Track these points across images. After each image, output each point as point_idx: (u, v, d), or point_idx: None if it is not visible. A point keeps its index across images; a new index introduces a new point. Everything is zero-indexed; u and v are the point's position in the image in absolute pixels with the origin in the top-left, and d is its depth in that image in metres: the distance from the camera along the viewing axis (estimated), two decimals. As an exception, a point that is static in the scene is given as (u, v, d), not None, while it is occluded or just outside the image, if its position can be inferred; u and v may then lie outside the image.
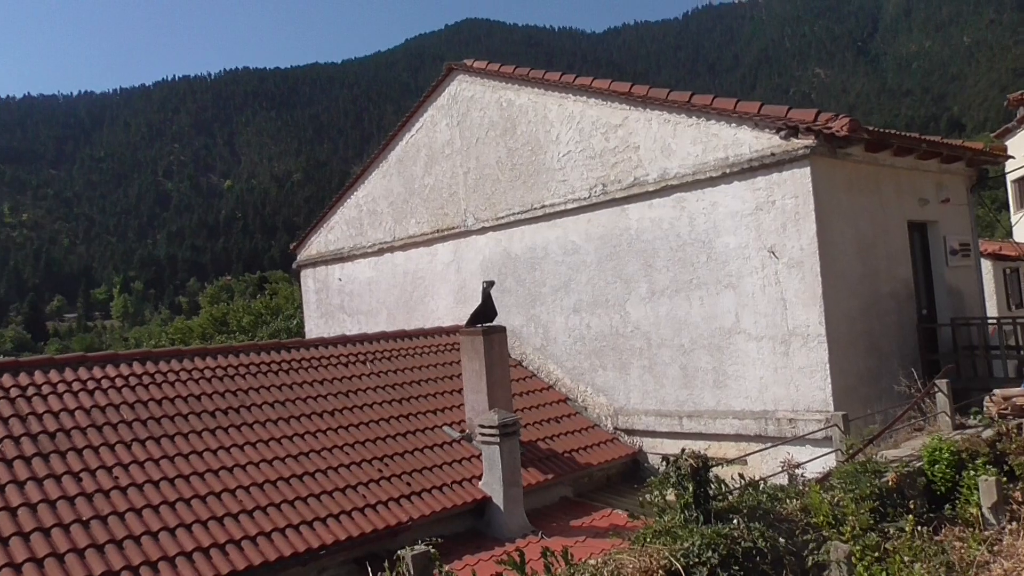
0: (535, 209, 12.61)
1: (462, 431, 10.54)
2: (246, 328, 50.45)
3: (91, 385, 9.17)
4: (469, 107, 13.70)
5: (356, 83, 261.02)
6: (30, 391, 8.74)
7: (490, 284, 10.67)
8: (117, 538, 7.07)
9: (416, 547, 4.24)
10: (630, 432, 11.67)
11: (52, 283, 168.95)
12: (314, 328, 17.31)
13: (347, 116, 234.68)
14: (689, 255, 10.74)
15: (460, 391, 11.23)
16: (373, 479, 9.02)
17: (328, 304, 17.02)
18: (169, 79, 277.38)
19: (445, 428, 10.57)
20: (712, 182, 10.40)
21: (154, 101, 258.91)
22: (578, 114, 11.93)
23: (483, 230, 13.55)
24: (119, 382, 9.39)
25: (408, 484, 9.14)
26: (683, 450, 6.07)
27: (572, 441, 11.31)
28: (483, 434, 9.41)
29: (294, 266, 18.01)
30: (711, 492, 5.83)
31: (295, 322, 46.87)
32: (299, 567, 7.73)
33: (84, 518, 7.19)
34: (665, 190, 10.91)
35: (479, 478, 9.60)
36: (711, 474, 5.85)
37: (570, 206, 12.08)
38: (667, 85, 11.52)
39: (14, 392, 8.63)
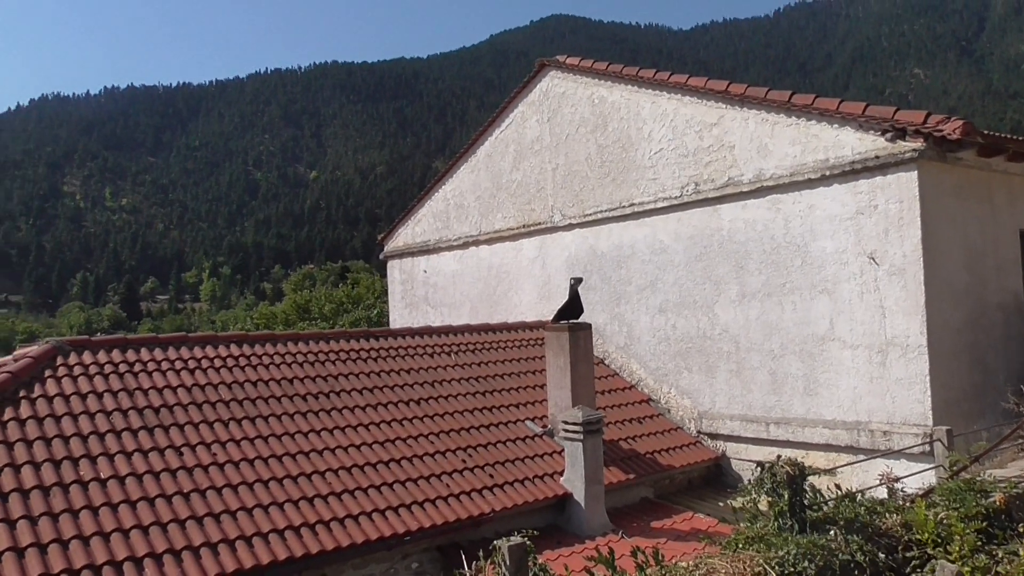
0: (623, 207, 12.51)
1: (544, 426, 10.56)
2: (327, 316, 51.72)
3: (191, 364, 9.58)
4: (560, 103, 13.69)
5: (441, 78, 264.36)
6: (136, 367, 9.19)
7: (578, 281, 10.64)
8: (215, 511, 7.36)
9: (512, 538, 4.27)
10: (714, 436, 11.48)
11: (147, 265, 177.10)
12: (398, 318, 17.62)
13: (431, 111, 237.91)
14: (783, 258, 10.48)
15: (543, 386, 11.26)
16: (456, 469, 9.13)
17: (413, 295, 17.30)
18: (262, 72, 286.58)
19: (527, 422, 10.61)
20: (810, 184, 10.11)
21: (247, 93, 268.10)
22: (672, 112, 11.78)
23: (570, 226, 13.53)
24: (217, 362, 9.77)
25: (491, 476, 9.21)
26: (778, 456, 5.94)
27: (654, 442, 11.20)
28: (566, 430, 9.41)
29: (381, 256, 18.36)
30: (806, 501, 5.69)
31: (375, 312, 47.81)
32: (385, 551, 7.90)
33: (185, 491, 7.51)
34: (760, 191, 10.67)
35: (560, 474, 9.61)
36: (806, 483, 5.71)
37: (660, 204, 11.94)
38: (756, 83, 11.25)
39: (123, 368, 9.08)
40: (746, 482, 6.71)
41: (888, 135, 9.22)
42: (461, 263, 15.97)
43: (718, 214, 11.24)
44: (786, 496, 5.54)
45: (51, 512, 6.82)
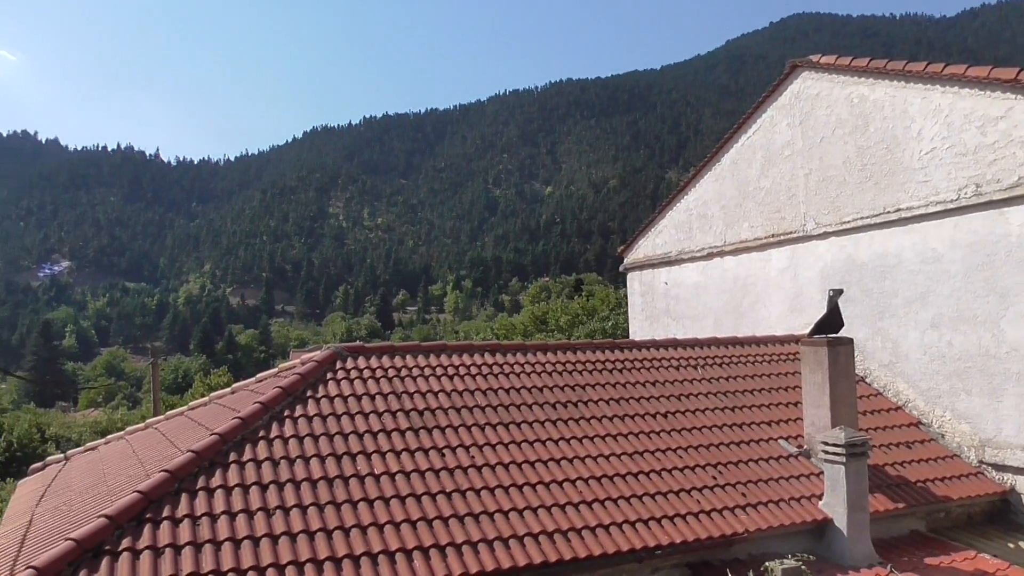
0: (888, 212, 11.53)
1: (799, 446, 9.98)
2: (563, 327, 52.88)
3: (451, 371, 10.16)
4: (813, 105, 12.94)
5: (674, 88, 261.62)
6: (403, 372, 9.94)
7: (838, 293, 9.96)
8: (475, 511, 7.72)
9: (785, 561, 4.06)
10: (1000, 468, 10.19)
11: (398, 279, 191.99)
12: (638, 330, 17.55)
13: (664, 122, 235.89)
14: (1090, 267, 9.10)
15: (796, 404, 10.66)
16: (707, 485, 8.86)
17: (653, 307, 17.15)
18: (500, 94, 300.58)
19: (781, 441, 10.08)
20: None
21: (487, 115, 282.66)
22: (946, 107, 10.68)
23: (824, 235, 12.71)
24: (473, 370, 10.29)
25: (743, 495, 8.84)
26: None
27: (926, 470, 10.17)
28: (826, 452, 8.81)
29: (621, 269, 18.40)
30: None
31: (610, 323, 48.12)
32: (635, 563, 7.84)
33: (447, 490, 7.95)
34: (1059, 190, 9.36)
35: (818, 497, 9.01)
36: None
37: (932, 209, 10.86)
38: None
39: (391, 372, 9.87)
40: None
41: None
42: (704, 275, 15.59)
43: (1005, 218, 10.00)
44: (1112, 542, 4.78)
45: (334, 501, 7.54)
